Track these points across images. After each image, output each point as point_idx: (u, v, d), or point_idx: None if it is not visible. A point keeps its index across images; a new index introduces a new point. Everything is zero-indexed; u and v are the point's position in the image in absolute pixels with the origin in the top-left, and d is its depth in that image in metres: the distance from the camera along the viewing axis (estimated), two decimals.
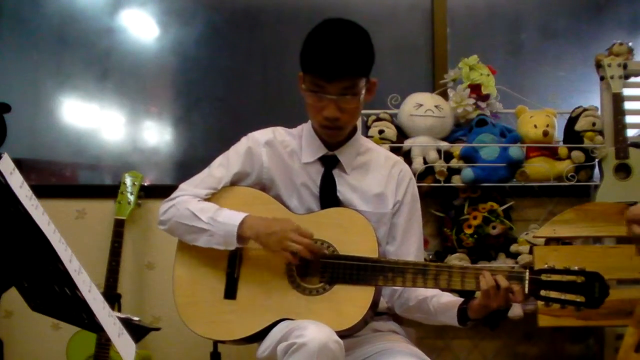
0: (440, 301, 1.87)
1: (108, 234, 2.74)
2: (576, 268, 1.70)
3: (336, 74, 1.80)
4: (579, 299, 1.68)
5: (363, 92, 1.86)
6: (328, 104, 1.84)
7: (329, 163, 1.96)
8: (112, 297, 2.65)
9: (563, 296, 1.69)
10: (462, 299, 1.83)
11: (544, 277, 1.70)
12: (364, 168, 1.99)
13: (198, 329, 1.89)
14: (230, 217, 1.86)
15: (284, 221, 1.84)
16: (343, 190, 1.95)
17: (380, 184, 1.98)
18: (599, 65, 2.81)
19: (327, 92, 1.82)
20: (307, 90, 1.85)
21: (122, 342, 1.15)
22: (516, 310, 2.59)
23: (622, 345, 1.81)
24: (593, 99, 2.89)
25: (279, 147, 1.99)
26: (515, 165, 2.71)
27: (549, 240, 2.44)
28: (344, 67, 1.80)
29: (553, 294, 1.70)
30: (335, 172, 1.96)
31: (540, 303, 1.80)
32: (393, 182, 1.99)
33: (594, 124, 2.75)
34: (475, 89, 2.78)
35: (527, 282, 1.71)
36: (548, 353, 2.88)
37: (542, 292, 1.70)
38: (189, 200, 1.93)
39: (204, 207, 1.90)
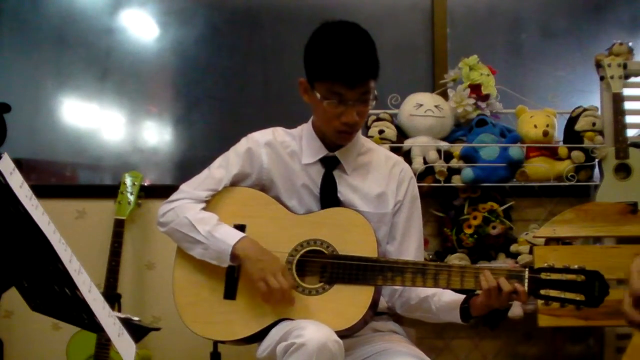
0: (442, 300, 1.87)
1: (108, 234, 2.74)
2: (576, 267, 1.69)
3: (359, 80, 1.79)
4: (579, 297, 1.67)
5: (375, 92, 1.85)
6: (347, 110, 1.82)
7: (330, 164, 1.96)
8: (112, 297, 2.65)
9: (563, 295, 1.68)
10: (463, 296, 1.83)
11: (543, 275, 1.70)
12: (365, 168, 1.99)
13: (198, 329, 1.89)
14: (227, 236, 1.85)
15: (276, 259, 1.83)
16: (344, 191, 1.95)
17: (381, 184, 1.98)
18: (599, 65, 2.81)
19: (348, 99, 1.80)
20: (323, 99, 1.81)
21: (122, 342, 1.15)
22: (516, 310, 2.59)
23: (629, 345, 1.80)
24: (593, 99, 2.89)
25: (279, 148, 1.99)
26: (515, 165, 2.71)
27: (549, 240, 2.44)
28: (367, 73, 1.80)
29: (553, 293, 1.69)
30: (336, 173, 1.95)
31: (540, 302, 1.80)
32: (394, 182, 1.99)
33: (594, 124, 2.75)
34: (475, 89, 2.78)
35: (526, 280, 1.70)
36: (548, 353, 2.88)
37: (542, 291, 1.70)
38: (189, 208, 1.92)
39: (203, 218, 1.89)
